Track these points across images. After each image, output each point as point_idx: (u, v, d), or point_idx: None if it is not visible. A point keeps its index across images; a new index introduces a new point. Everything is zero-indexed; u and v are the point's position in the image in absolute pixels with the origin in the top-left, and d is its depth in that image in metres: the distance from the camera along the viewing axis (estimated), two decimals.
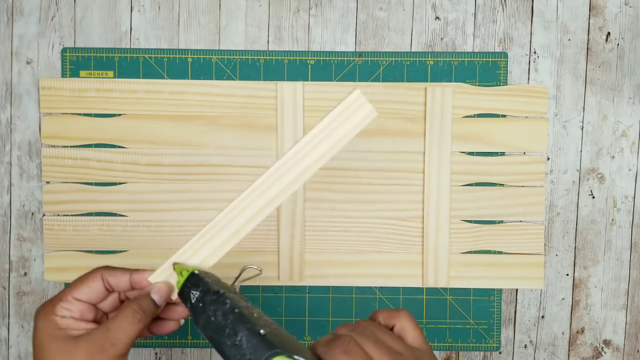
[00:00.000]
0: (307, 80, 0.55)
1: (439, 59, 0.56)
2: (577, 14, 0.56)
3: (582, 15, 0.56)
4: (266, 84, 0.55)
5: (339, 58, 0.56)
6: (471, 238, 0.56)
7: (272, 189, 0.37)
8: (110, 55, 0.55)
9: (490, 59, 0.56)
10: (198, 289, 0.34)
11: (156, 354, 0.57)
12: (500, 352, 0.57)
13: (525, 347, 0.57)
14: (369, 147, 0.55)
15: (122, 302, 0.38)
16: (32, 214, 0.56)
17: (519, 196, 0.56)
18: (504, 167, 0.56)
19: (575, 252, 0.57)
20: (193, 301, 0.33)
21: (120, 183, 0.56)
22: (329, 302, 0.56)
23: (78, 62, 0.55)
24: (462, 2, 0.56)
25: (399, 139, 0.55)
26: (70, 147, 0.55)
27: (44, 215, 0.56)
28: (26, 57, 0.56)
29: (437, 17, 0.56)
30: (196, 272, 0.35)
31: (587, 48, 0.56)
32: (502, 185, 0.56)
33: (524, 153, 0.56)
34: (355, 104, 0.37)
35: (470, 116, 0.55)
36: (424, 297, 0.56)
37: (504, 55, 0.56)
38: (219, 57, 0.56)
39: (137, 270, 0.37)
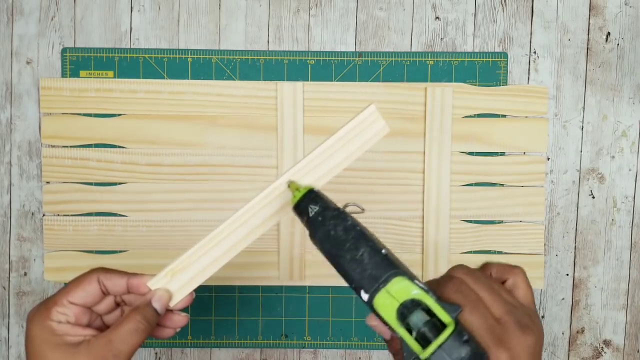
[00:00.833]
0: (307, 80, 0.55)
1: (439, 59, 0.56)
2: (577, 14, 0.56)
3: (582, 15, 0.56)
4: (266, 84, 0.55)
5: (339, 58, 0.56)
6: (471, 238, 0.56)
7: (279, 200, 0.37)
8: (110, 55, 0.55)
9: (490, 59, 0.56)
10: (317, 204, 0.33)
11: (156, 354, 0.57)
12: None
13: None
14: (369, 147, 0.55)
15: (117, 304, 0.37)
16: (32, 214, 0.56)
17: (519, 196, 0.56)
18: (504, 167, 0.56)
19: (575, 252, 0.57)
20: (311, 215, 0.33)
21: (120, 183, 0.56)
22: (329, 302, 0.56)
23: (78, 62, 0.55)
24: (462, 2, 0.56)
25: (399, 139, 0.55)
26: (70, 147, 0.55)
27: (44, 215, 0.56)
28: (26, 57, 0.56)
29: (437, 17, 0.56)
30: (315, 189, 0.35)
31: (587, 48, 0.56)
32: (502, 185, 0.56)
33: (524, 153, 0.56)
34: (369, 119, 0.37)
35: (470, 116, 0.55)
36: None
37: (504, 55, 0.56)
38: (219, 57, 0.56)
39: (134, 274, 0.36)
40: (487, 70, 0.56)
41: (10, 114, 0.56)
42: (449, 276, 0.32)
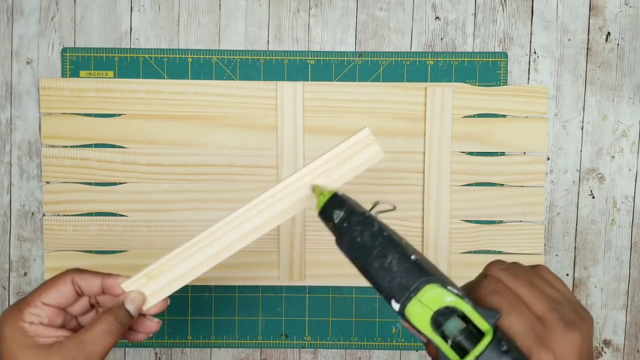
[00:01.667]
0: (307, 80, 0.55)
1: (439, 59, 0.56)
2: (577, 14, 0.56)
3: (582, 15, 0.56)
4: (266, 84, 0.55)
5: (339, 58, 0.56)
6: (471, 238, 0.56)
7: (263, 214, 0.36)
8: (110, 55, 0.55)
9: (490, 59, 0.56)
10: (342, 209, 0.32)
11: (156, 354, 0.57)
12: None
13: None
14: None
15: (92, 305, 0.36)
16: (32, 214, 0.56)
17: (519, 196, 0.56)
18: (504, 167, 0.56)
19: (575, 252, 0.57)
20: (336, 221, 0.32)
21: (120, 183, 0.56)
22: (329, 302, 0.56)
23: (78, 62, 0.55)
24: (462, 2, 0.56)
25: (399, 139, 0.55)
26: (70, 147, 0.55)
27: (44, 215, 0.56)
28: (26, 57, 0.56)
29: (437, 17, 0.56)
30: (339, 193, 0.33)
31: (587, 48, 0.56)
32: (502, 185, 0.56)
33: (524, 153, 0.56)
34: (363, 143, 0.36)
35: (470, 116, 0.55)
36: None
37: (504, 55, 0.56)
38: (219, 57, 0.56)
39: (109, 274, 0.36)
40: (487, 70, 0.56)
41: (10, 114, 0.56)
42: (484, 275, 0.30)
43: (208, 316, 0.56)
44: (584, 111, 0.56)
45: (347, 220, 0.31)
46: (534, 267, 0.31)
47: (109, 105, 0.55)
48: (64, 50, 0.55)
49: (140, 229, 0.55)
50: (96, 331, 0.33)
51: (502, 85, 0.56)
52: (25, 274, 0.56)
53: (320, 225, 0.57)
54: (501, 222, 0.56)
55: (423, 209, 0.56)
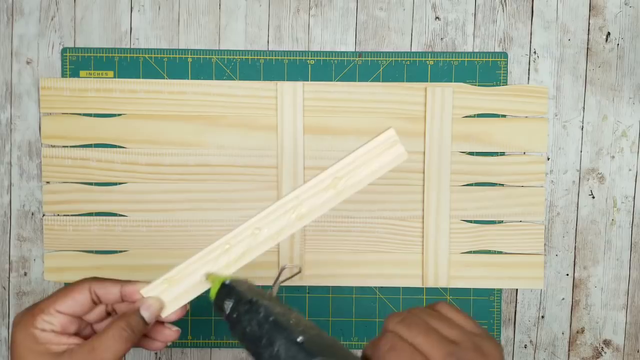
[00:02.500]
0: (307, 80, 0.55)
1: (439, 59, 0.56)
2: (577, 14, 0.56)
3: (582, 15, 0.56)
4: (266, 84, 0.55)
5: (339, 58, 0.56)
6: (471, 238, 0.56)
7: (286, 217, 0.36)
8: (110, 55, 0.55)
9: (490, 59, 0.56)
10: (231, 298, 0.32)
11: (156, 354, 0.57)
12: None
13: (525, 347, 0.57)
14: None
15: (108, 313, 0.36)
16: (32, 214, 0.56)
17: (519, 196, 0.56)
18: (504, 167, 0.56)
19: (575, 252, 0.57)
20: (227, 312, 0.32)
21: (120, 183, 0.56)
22: (329, 302, 0.56)
23: (78, 62, 0.55)
24: (462, 2, 0.56)
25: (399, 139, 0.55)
26: (70, 147, 0.55)
27: (44, 215, 0.56)
28: (26, 57, 0.56)
29: (437, 17, 0.56)
30: (227, 281, 0.33)
31: (587, 48, 0.56)
32: (502, 185, 0.56)
33: (524, 153, 0.56)
34: (387, 143, 0.36)
35: (470, 116, 0.55)
36: (424, 297, 0.56)
37: (504, 55, 0.56)
38: (219, 57, 0.56)
39: (128, 281, 0.35)
40: (487, 70, 0.56)
41: (10, 114, 0.56)
42: (382, 332, 0.30)
43: (208, 316, 0.56)
44: (584, 111, 0.56)
45: (237, 310, 0.31)
46: (434, 306, 0.31)
47: (109, 105, 0.55)
48: (64, 50, 0.55)
49: (140, 229, 0.55)
50: (107, 337, 0.32)
51: (502, 85, 0.56)
52: (25, 274, 0.56)
53: (321, 225, 0.57)
54: (501, 222, 0.56)
55: (423, 209, 0.56)
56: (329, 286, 0.56)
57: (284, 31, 0.56)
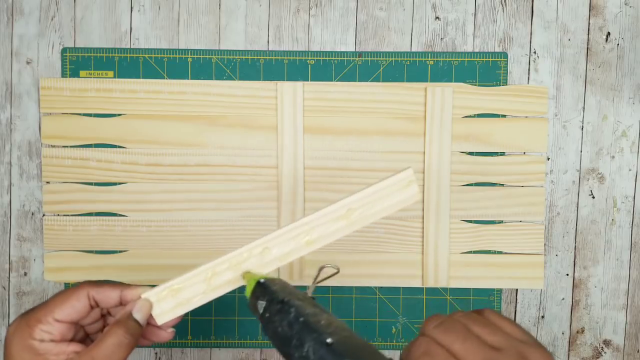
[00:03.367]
0: (307, 80, 0.55)
1: (439, 59, 0.56)
2: (577, 14, 0.56)
3: (582, 15, 0.56)
4: (266, 84, 0.55)
5: (339, 58, 0.56)
6: (471, 238, 0.56)
7: (296, 240, 0.36)
8: (110, 55, 0.55)
9: (490, 59, 0.56)
10: (264, 298, 0.32)
11: (156, 354, 0.57)
12: None
13: None
14: (369, 147, 0.55)
15: (102, 316, 0.35)
16: (32, 214, 0.56)
17: (519, 196, 0.56)
18: (504, 167, 0.56)
19: (575, 252, 0.57)
20: (260, 311, 0.32)
21: (120, 183, 0.56)
22: (329, 302, 0.56)
23: (78, 62, 0.55)
24: (462, 2, 0.56)
25: (399, 139, 0.55)
26: (70, 147, 0.55)
27: (44, 215, 0.56)
28: (26, 57, 0.56)
29: (437, 17, 0.56)
30: (262, 280, 0.33)
31: (587, 48, 0.56)
32: (502, 185, 0.56)
33: (524, 153, 0.56)
34: (403, 182, 0.37)
35: (470, 116, 0.55)
36: (424, 297, 0.56)
37: (504, 55, 0.56)
38: (219, 57, 0.56)
39: (128, 285, 0.34)
40: (487, 70, 0.56)
41: (10, 114, 0.56)
42: (418, 336, 0.29)
43: (208, 316, 0.56)
44: (584, 111, 0.56)
45: (269, 310, 0.31)
46: (479, 312, 0.29)
47: (109, 105, 0.55)
48: (64, 50, 0.55)
49: (140, 229, 0.55)
50: (107, 346, 0.32)
51: (502, 85, 0.56)
52: (25, 274, 0.56)
53: None
54: (501, 222, 0.56)
55: (423, 209, 0.56)
56: (329, 286, 0.56)
57: (284, 31, 0.56)
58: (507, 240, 0.56)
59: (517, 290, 0.57)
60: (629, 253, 0.57)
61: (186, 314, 0.56)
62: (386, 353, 0.57)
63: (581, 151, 0.56)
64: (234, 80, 0.56)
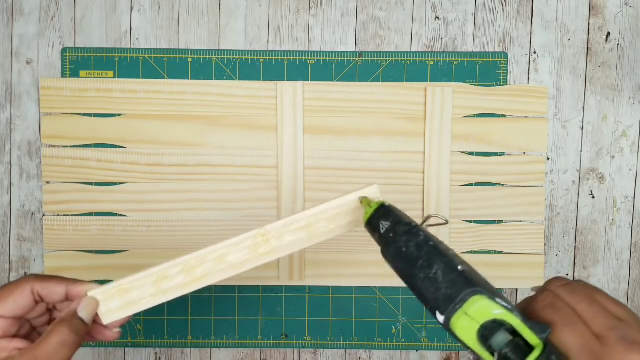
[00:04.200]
0: (307, 80, 0.55)
1: (439, 59, 0.56)
2: (577, 14, 0.56)
3: (582, 15, 0.56)
4: (266, 84, 0.55)
5: (339, 58, 0.56)
6: (471, 238, 0.56)
7: (252, 249, 0.35)
8: (110, 55, 0.55)
9: (490, 59, 0.56)
10: (388, 219, 0.32)
11: (156, 354, 0.57)
12: None
13: None
14: (369, 147, 0.55)
15: (49, 310, 0.34)
16: (32, 214, 0.56)
17: (519, 196, 0.56)
18: (504, 167, 0.56)
19: (575, 252, 0.57)
20: (382, 231, 0.32)
21: (120, 183, 0.56)
22: (329, 302, 0.56)
23: (78, 62, 0.55)
24: (462, 2, 0.56)
25: (399, 139, 0.55)
26: (70, 147, 0.55)
27: (44, 215, 0.56)
28: (26, 57, 0.56)
29: (437, 17, 0.56)
30: (386, 204, 0.33)
31: (587, 48, 0.56)
32: (502, 185, 0.56)
33: (524, 153, 0.56)
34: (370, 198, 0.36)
35: (470, 116, 0.55)
36: None
37: (504, 55, 0.56)
38: (219, 57, 0.56)
39: (75, 281, 0.33)
40: (487, 70, 0.56)
41: (10, 114, 0.56)
42: (541, 290, 0.29)
43: (208, 316, 0.56)
44: (584, 111, 0.56)
45: (393, 231, 0.31)
46: (595, 288, 0.30)
47: (109, 105, 0.55)
48: (64, 50, 0.55)
49: (140, 229, 0.55)
50: (51, 345, 0.30)
51: (502, 85, 0.56)
52: (25, 274, 0.56)
53: None
54: (501, 222, 0.56)
55: (423, 209, 0.56)
56: (329, 286, 0.56)
57: (284, 31, 0.56)
58: (507, 240, 0.56)
59: (517, 290, 0.57)
60: (629, 253, 0.57)
61: (186, 315, 0.56)
62: (386, 353, 0.57)
63: (581, 151, 0.56)
64: (234, 80, 0.56)
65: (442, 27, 0.56)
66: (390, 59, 0.56)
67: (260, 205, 0.55)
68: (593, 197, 0.57)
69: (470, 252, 0.56)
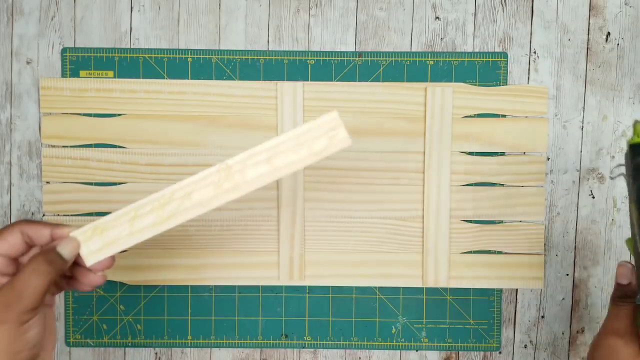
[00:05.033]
0: (307, 80, 0.55)
1: (439, 59, 0.56)
2: (577, 14, 0.56)
3: (582, 15, 0.56)
4: (266, 84, 0.55)
5: (339, 58, 0.56)
6: (471, 238, 0.56)
7: (217, 185, 0.36)
8: (110, 55, 0.55)
9: (490, 59, 0.56)
10: None
11: (156, 354, 0.57)
12: (500, 352, 0.57)
13: (525, 347, 0.57)
14: (369, 147, 0.55)
15: None
16: (32, 214, 0.56)
17: (519, 196, 0.56)
18: (504, 167, 0.56)
19: (575, 252, 0.57)
20: None
21: (120, 183, 0.56)
22: (329, 302, 0.56)
23: (78, 62, 0.55)
24: (462, 2, 0.56)
25: (399, 139, 0.55)
26: (70, 147, 0.55)
27: (44, 215, 0.56)
28: (26, 57, 0.56)
29: (437, 17, 0.56)
30: None
31: (587, 48, 0.56)
32: (502, 185, 0.56)
33: (524, 153, 0.56)
34: (330, 126, 0.35)
35: (470, 116, 0.55)
36: (424, 297, 0.56)
37: (504, 55, 0.56)
38: (219, 57, 0.56)
39: (58, 224, 0.37)
40: (487, 70, 0.56)
41: (10, 114, 0.56)
42: None
43: (208, 316, 0.56)
44: (584, 111, 0.56)
45: None
46: None
47: (109, 105, 0.55)
48: (64, 50, 0.55)
49: None
50: (25, 272, 0.33)
51: (502, 85, 0.56)
52: None
53: (321, 225, 0.57)
54: (501, 222, 0.56)
55: (423, 209, 0.56)
56: (329, 286, 0.56)
57: (284, 31, 0.56)
58: (507, 240, 0.56)
59: (517, 290, 0.57)
60: (629, 253, 0.57)
61: (186, 315, 0.56)
62: (386, 353, 0.57)
63: (581, 151, 0.56)
64: (234, 80, 0.56)
65: (442, 27, 0.56)
66: (390, 59, 0.56)
67: (260, 205, 0.55)
68: (593, 197, 0.57)
69: (470, 252, 0.56)
